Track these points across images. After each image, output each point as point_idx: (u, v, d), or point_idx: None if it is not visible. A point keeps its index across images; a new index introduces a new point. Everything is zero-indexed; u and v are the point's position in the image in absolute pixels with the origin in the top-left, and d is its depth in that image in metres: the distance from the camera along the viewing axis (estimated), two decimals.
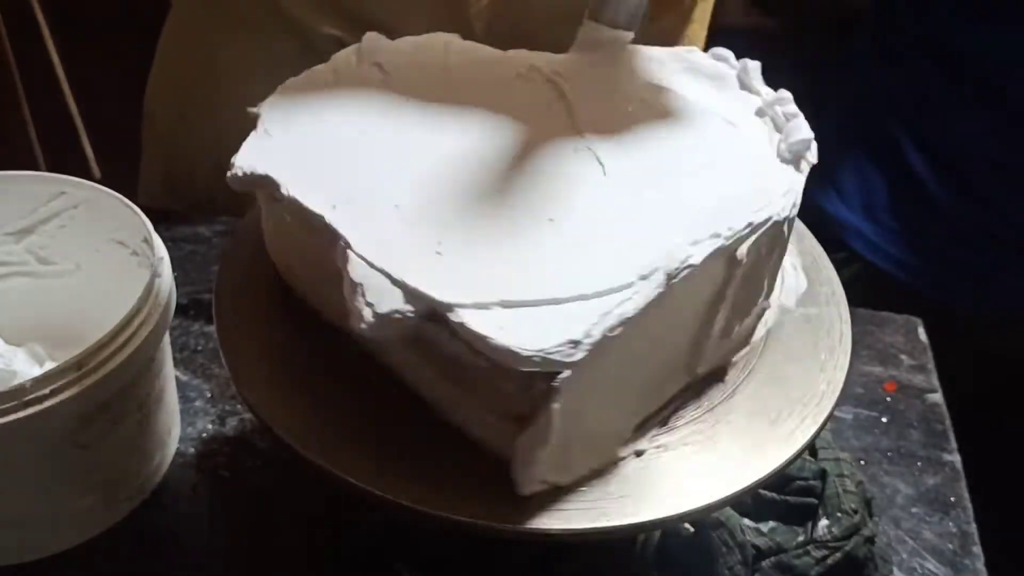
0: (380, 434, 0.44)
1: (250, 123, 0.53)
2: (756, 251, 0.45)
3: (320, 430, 0.45)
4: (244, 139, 0.51)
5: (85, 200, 0.62)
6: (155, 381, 0.58)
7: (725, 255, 0.43)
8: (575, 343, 0.38)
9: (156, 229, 0.61)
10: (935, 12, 0.93)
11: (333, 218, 0.43)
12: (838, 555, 0.59)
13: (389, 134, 0.49)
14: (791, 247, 0.53)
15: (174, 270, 0.78)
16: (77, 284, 0.65)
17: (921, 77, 0.95)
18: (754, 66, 0.53)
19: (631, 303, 0.39)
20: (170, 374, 0.62)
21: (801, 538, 0.60)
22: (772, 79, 0.56)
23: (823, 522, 0.60)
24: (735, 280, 0.44)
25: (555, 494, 0.42)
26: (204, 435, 0.66)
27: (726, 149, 0.48)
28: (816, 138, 0.52)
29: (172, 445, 0.64)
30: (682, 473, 0.44)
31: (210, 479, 0.64)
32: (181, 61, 0.90)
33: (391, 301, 0.40)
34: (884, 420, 0.72)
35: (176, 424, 0.65)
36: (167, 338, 0.60)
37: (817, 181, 1.09)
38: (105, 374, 0.51)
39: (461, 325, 0.38)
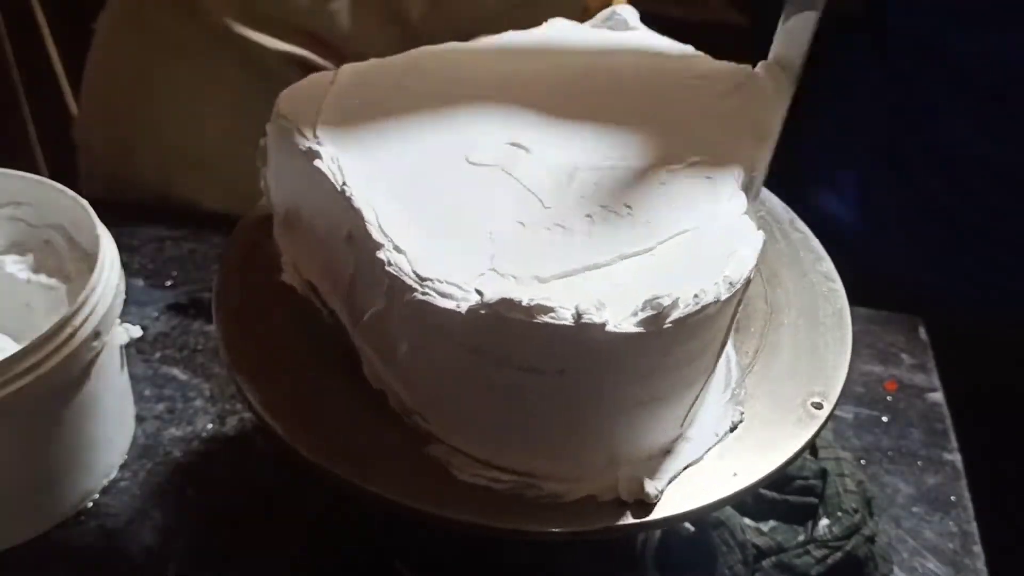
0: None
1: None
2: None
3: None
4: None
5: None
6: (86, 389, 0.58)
7: None
8: None
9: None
10: (929, 14, 0.93)
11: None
12: (839, 554, 0.59)
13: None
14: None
15: (174, 269, 0.78)
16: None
17: (918, 79, 0.95)
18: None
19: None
20: (115, 384, 0.62)
21: (801, 537, 0.60)
22: None
23: (823, 521, 0.60)
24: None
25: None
26: (204, 435, 0.66)
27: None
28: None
29: (114, 455, 0.63)
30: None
31: (209, 479, 0.64)
32: (115, 87, 0.87)
33: None
34: (885, 419, 0.72)
35: (123, 434, 0.65)
36: (113, 348, 0.60)
37: (817, 182, 1.10)
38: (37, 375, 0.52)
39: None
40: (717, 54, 0.57)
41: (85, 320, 0.54)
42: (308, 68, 0.79)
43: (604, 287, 0.41)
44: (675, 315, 0.39)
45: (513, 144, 0.48)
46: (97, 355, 0.57)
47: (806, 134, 0.98)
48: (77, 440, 0.58)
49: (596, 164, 0.47)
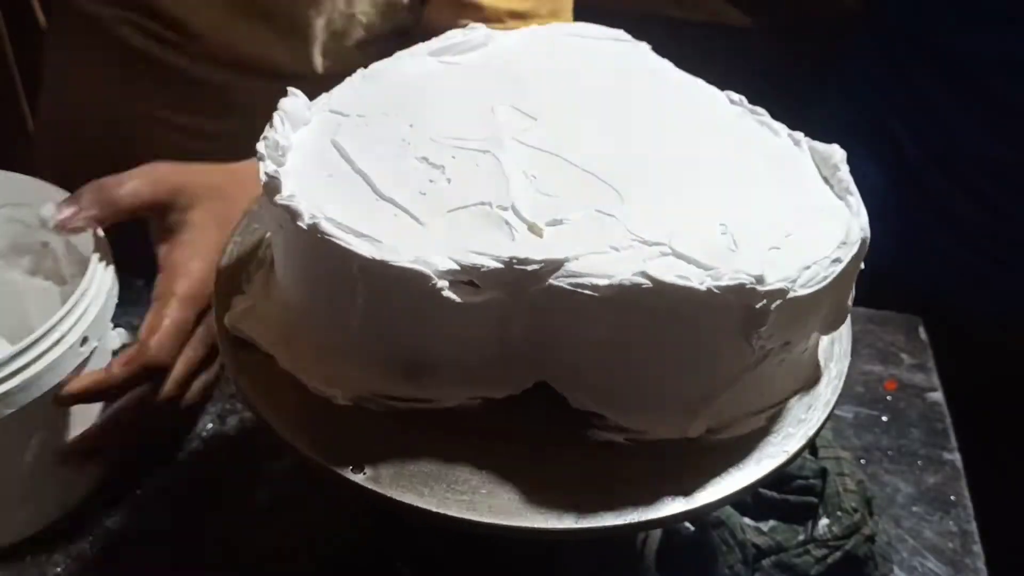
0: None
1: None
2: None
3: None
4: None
5: None
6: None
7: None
8: None
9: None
10: (930, 14, 0.93)
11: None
12: (838, 554, 0.59)
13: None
14: None
15: None
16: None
17: (918, 77, 0.95)
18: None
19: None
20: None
21: (801, 537, 0.60)
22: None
23: (823, 521, 0.60)
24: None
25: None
26: (204, 434, 0.66)
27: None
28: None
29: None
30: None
31: (210, 479, 0.64)
32: (45, 88, 0.91)
33: None
34: (884, 419, 0.72)
35: None
36: (105, 352, 0.60)
37: None
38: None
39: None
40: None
41: (74, 325, 0.54)
42: (142, 30, 0.78)
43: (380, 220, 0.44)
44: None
45: (527, 115, 0.50)
46: (87, 360, 0.56)
47: (810, 133, 0.98)
48: (65, 444, 0.58)
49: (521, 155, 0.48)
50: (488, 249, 0.42)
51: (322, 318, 0.46)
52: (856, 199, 0.47)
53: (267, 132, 0.47)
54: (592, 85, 0.54)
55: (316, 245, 0.42)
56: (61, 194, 0.61)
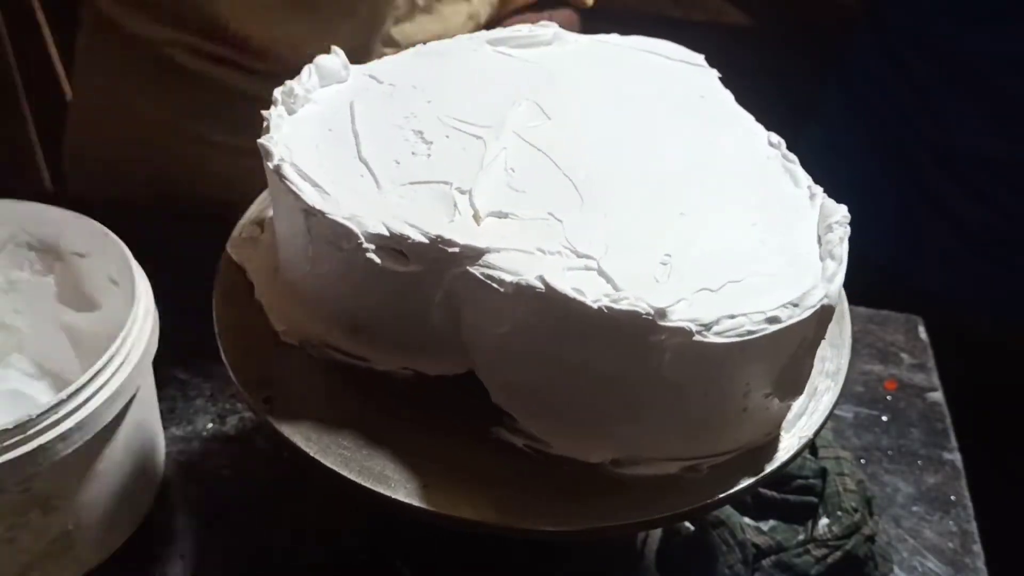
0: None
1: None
2: None
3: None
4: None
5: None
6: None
7: None
8: None
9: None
10: (929, 12, 0.93)
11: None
12: (838, 554, 0.59)
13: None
14: None
15: (174, 269, 0.78)
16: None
17: (918, 76, 0.95)
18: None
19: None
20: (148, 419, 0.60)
21: (801, 537, 0.60)
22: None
23: (823, 521, 0.60)
24: None
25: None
26: (204, 434, 0.66)
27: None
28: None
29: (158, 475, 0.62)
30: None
31: (210, 478, 0.64)
32: (75, 88, 0.94)
33: None
34: (884, 419, 0.72)
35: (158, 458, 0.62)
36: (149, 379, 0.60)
37: (819, 181, 1.10)
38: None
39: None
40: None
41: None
42: (196, 51, 0.77)
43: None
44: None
45: (544, 113, 0.51)
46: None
47: (810, 132, 0.98)
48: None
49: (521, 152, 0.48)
50: (423, 224, 0.43)
51: (286, 258, 0.48)
52: (836, 265, 0.44)
53: (290, 80, 0.50)
54: (630, 99, 0.53)
55: (279, 186, 0.45)
56: (82, 222, 0.60)
